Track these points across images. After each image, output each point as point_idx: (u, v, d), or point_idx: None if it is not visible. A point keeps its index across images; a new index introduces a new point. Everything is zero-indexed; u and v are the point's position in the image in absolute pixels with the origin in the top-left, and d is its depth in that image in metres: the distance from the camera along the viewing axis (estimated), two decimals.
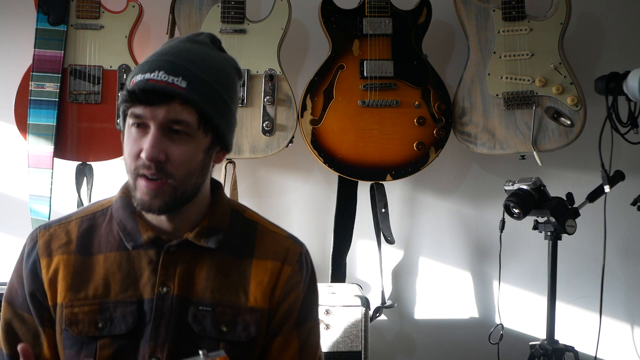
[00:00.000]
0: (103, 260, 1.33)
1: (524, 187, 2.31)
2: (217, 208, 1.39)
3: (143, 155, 1.24)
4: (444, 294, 2.86)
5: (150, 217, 1.33)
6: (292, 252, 1.41)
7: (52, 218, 2.29)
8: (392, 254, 2.84)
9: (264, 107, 2.51)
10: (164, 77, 1.22)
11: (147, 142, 1.24)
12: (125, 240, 1.33)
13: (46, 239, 1.36)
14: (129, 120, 1.26)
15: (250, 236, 1.40)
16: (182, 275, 1.33)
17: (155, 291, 1.31)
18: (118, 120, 1.29)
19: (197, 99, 1.24)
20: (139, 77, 1.23)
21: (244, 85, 2.50)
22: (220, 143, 1.33)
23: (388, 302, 2.69)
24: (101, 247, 1.35)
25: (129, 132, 1.27)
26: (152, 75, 1.22)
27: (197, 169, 1.29)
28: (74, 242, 1.35)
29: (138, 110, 1.24)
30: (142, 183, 1.26)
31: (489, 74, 2.59)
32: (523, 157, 2.63)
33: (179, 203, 1.29)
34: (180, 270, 1.33)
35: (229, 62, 1.34)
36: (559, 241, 2.38)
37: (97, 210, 1.40)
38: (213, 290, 1.34)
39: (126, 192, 1.37)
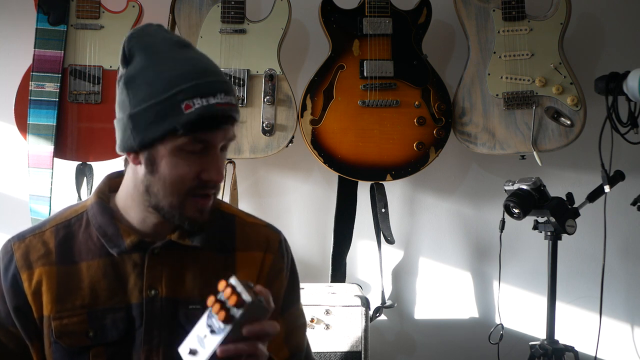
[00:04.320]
0: (86, 268, 1.31)
1: (524, 187, 2.31)
2: None
3: (210, 177, 1.23)
4: (444, 294, 2.86)
5: (132, 219, 1.32)
6: (272, 241, 1.42)
7: None
8: (392, 254, 2.84)
9: (264, 107, 2.51)
10: (226, 99, 1.21)
11: (213, 164, 1.23)
12: (108, 247, 1.30)
13: (23, 251, 1.32)
14: (187, 148, 1.21)
15: (230, 229, 1.40)
16: (168, 277, 1.32)
17: (144, 295, 1.30)
18: (140, 144, 1.25)
19: (239, 111, 1.27)
20: (199, 102, 1.18)
21: (243, 85, 2.50)
22: None
23: (388, 302, 2.69)
24: (82, 255, 1.32)
25: (180, 156, 1.22)
26: (216, 99, 1.19)
27: None
28: (53, 252, 1.32)
29: (205, 136, 1.21)
30: (196, 201, 1.26)
31: (489, 74, 2.59)
32: (523, 157, 2.63)
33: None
34: (167, 272, 1.32)
35: None
36: (559, 241, 2.38)
37: (72, 216, 1.36)
38: (201, 288, 1.33)
39: (102, 197, 1.35)
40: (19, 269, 1.31)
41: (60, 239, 1.33)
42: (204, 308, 1.32)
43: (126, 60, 1.25)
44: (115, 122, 1.29)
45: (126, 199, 1.32)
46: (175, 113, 1.19)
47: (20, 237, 1.34)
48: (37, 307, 1.30)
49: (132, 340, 1.30)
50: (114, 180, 1.39)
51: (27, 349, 1.32)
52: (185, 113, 1.18)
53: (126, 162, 1.32)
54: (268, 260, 1.40)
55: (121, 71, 1.26)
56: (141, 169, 1.26)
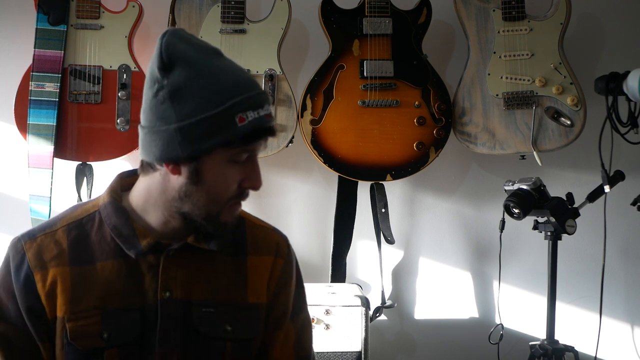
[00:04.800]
0: (100, 269, 1.30)
1: (524, 187, 2.31)
2: None
3: (253, 185, 1.28)
4: (444, 294, 2.86)
5: (151, 221, 1.31)
6: (282, 245, 1.44)
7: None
8: (392, 254, 2.84)
9: None
10: (268, 110, 1.25)
11: (254, 172, 1.28)
12: (125, 248, 1.30)
13: (35, 250, 1.30)
14: (236, 158, 1.24)
15: (240, 232, 1.41)
16: (183, 279, 1.32)
17: (158, 296, 1.30)
18: (190, 155, 1.23)
19: None
20: (252, 115, 1.21)
21: None
22: None
23: (388, 302, 2.69)
24: (96, 255, 1.31)
25: (228, 167, 1.25)
26: (264, 111, 1.23)
27: None
28: (66, 252, 1.31)
29: (252, 146, 1.25)
30: (234, 208, 1.30)
31: (489, 74, 2.59)
32: (523, 157, 2.63)
33: None
34: (181, 274, 1.32)
35: None
36: (559, 241, 2.38)
37: (83, 216, 1.34)
38: (214, 291, 1.34)
39: (115, 196, 1.34)
40: (32, 269, 1.29)
41: (72, 239, 1.32)
42: (216, 310, 1.33)
43: (165, 68, 1.22)
44: (147, 130, 1.25)
45: (145, 201, 1.31)
46: (229, 126, 1.20)
47: (30, 236, 1.33)
48: (51, 308, 1.29)
49: (147, 342, 1.30)
50: (126, 180, 1.38)
51: (38, 349, 1.31)
52: (240, 126, 1.20)
53: (146, 167, 1.29)
54: (279, 265, 1.41)
55: (159, 80, 1.22)
56: (179, 178, 1.25)
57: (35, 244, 1.31)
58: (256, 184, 1.28)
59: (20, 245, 1.32)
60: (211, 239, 1.33)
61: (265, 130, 1.24)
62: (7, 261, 1.32)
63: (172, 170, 1.24)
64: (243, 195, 1.29)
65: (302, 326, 1.45)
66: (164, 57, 1.21)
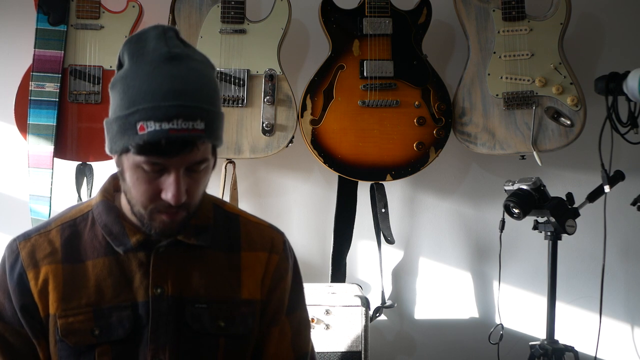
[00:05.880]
0: (92, 266, 1.31)
1: (524, 187, 2.31)
2: (201, 204, 1.35)
3: (167, 198, 1.21)
4: (444, 294, 2.86)
5: (136, 219, 1.31)
6: (277, 241, 1.43)
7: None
8: (392, 254, 2.84)
9: (264, 107, 2.51)
10: (184, 124, 1.15)
11: (170, 187, 1.20)
12: (114, 245, 1.31)
13: (29, 250, 1.32)
14: (143, 166, 1.20)
15: (234, 229, 1.40)
16: (174, 275, 1.32)
17: (150, 293, 1.30)
18: (110, 151, 1.26)
19: (213, 134, 1.21)
20: (153, 126, 1.15)
21: (243, 85, 2.50)
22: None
23: (388, 302, 2.69)
24: (87, 253, 1.32)
25: (139, 173, 1.21)
26: (171, 124, 1.15)
27: (206, 187, 1.31)
28: (59, 251, 1.32)
29: (156, 159, 1.19)
30: (160, 217, 1.25)
31: (489, 74, 2.59)
32: (523, 157, 2.63)
33: (190, 220, 1.30)
34: (172, 270, 1.32)
35: (207, 65, 1.26)
36: (559, 241, 2.38)
37: (77, 215, 1.36)
38: (207, 287, 1.34)
39: (107, 196, 1.36)
40: (25, 268, 1.31)
41: (66, 238, 1.34)
42: (209, 306, 1.33)
43: (119, 63, 1.25)
44: None
45: None
46: (131, 132, 1.17)
47: (25, 237, 1.35)
48: (44, 306, 1.30)
49: (139, 339, 1.31)
50: (119, 180, 1.39)
51: (35, 348, 1.32)
52: (139, 134, 1.16)
53: None
54: (273, 261, 1.40)
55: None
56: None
57: (29, 243, 1.33)
58: (171, 199, 1.20)
59: (15, 245, 1.34)
60: (200, 235, 1.34)
61: (170, 144, 1.16)
62: (3, 261, 1.34)
63: (115, 160, 1.27)
64: (170, 207, 1.22)
65: (300, 323, 1.45)
66: (120, 53, 1.24)
